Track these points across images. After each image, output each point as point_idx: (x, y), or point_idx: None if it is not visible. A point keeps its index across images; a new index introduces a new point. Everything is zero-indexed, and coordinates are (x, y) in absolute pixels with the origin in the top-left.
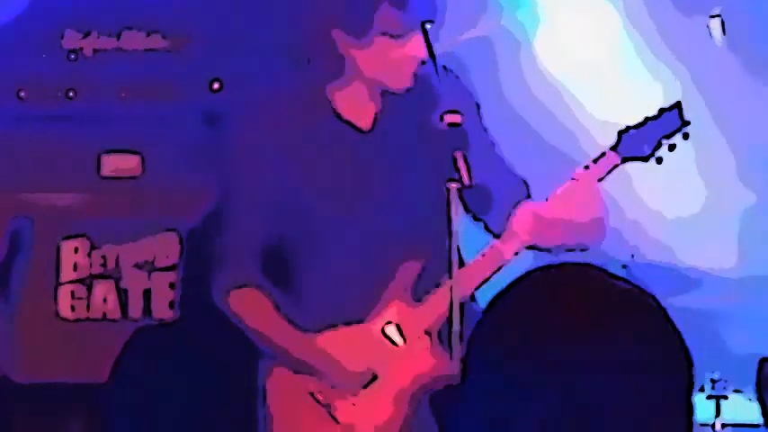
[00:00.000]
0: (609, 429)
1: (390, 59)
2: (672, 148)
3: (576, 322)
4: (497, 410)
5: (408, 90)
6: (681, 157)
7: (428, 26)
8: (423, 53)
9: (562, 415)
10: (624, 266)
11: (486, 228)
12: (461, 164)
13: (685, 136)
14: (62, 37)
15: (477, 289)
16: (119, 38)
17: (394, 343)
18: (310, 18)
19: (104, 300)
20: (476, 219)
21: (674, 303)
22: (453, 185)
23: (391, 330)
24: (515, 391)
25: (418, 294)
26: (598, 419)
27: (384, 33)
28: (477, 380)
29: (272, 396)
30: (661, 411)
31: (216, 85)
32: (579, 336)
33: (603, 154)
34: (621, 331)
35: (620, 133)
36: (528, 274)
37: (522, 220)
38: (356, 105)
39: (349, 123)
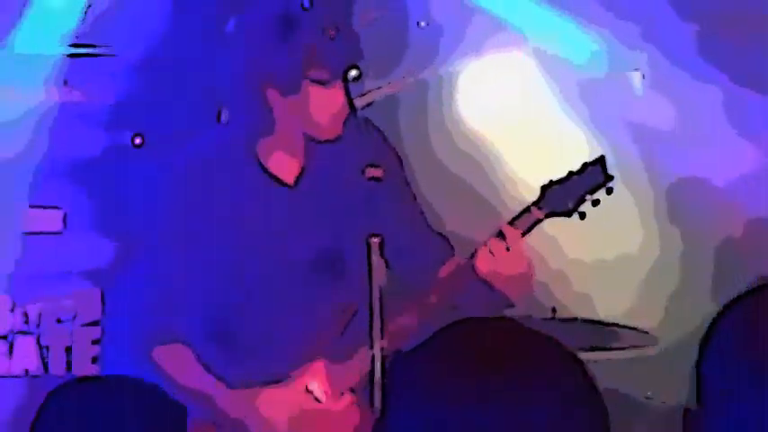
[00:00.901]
0: None
1: (320, 107)
2: (595, 203)
3: (491, 371)
4: None
5: (338, 138)
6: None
7: (353, 73)
8: (345, 106)
9: None
10: (553, 310)
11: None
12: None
13: (609, 191)
14: None
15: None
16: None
17: (317, 400)
18: (239, 73)
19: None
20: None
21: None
22: (375, 240)
23: (314, 387)
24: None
25: (344, 351)
26: None
27: (314, 81)
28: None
29: None
30: None
31: (138, 140)
32: (494, 385)
33: (528, 209)
34: (538, 383)
35: (544, 188)
36: (447, 326)
37: (451, 276)
38: (283, 160)
39: (275, 178)
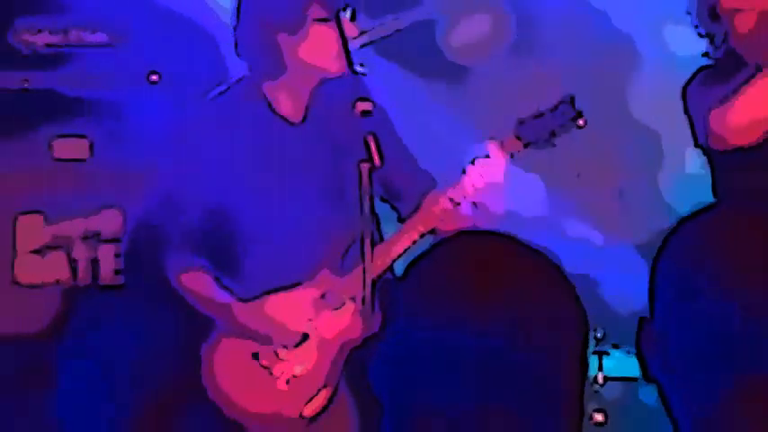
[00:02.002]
0: (513, 379)
1: (324, 45)
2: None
3: (485, 282)
4: (408, 356)
5: (344, 74)
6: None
7: (344, 14)
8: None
9: (467, 360)
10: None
11: (399, 214)
12: (372, 147)
13: (579, 126)
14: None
15: (393, 261)
16: (66, 34)
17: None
18: (251, 18)
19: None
20: (391, 206)
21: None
22: (365, 166)
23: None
24: (424, 336)
25: (346, 267)
26: (504, 371)
27: (317, 20)
28: (396, 334)
29: (220, 360)
30: (561, 366)
31: (154, 77)
32: (487, 294)
33: (506, 140)
34: (528, 292)
35: (520, 122)
36: (443, 240)
37: (433, 203)
38: (290, 101)
39: (283, 118)
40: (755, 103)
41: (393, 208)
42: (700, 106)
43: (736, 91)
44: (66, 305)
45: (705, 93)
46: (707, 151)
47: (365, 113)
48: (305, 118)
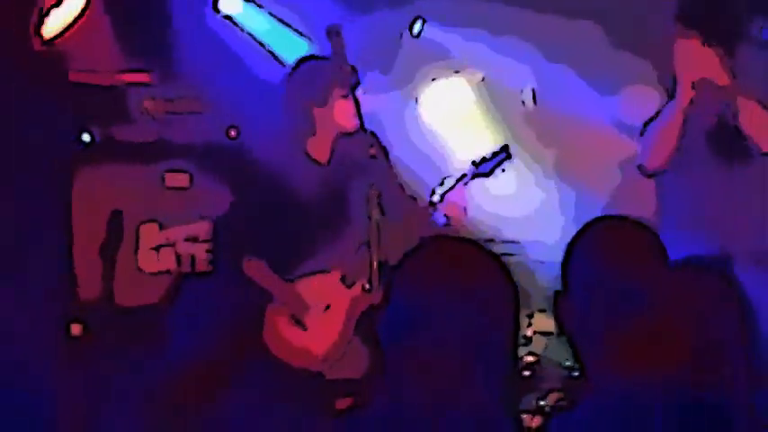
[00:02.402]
0: (462, 340)
1: (344, 112)
2: (503, 170)
3: (451, 271)
4: (405, 320)
5: (358, 131)
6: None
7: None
8: (357, 110)
9: (442, 318)
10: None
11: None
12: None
13: (510, 164)
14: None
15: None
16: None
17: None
18: (293, 98)
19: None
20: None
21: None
22: (373, 192)
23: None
24: (411, 311)
25: (358, 259)
26: (459, 324)
27: (340, 97)
28: (393, 302)
29: (270, 319)
30: (502, 326)
31: (233, 133)
32: (449, 279)
33: (465, 175)
34: (478, 276)
35: (473, 162)
36: (419, 244)
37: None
38: (321, 148)
39: (314, 161)
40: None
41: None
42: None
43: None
44: (174, 285)
45: None
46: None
47: (372, 157)
48: (329, 160)
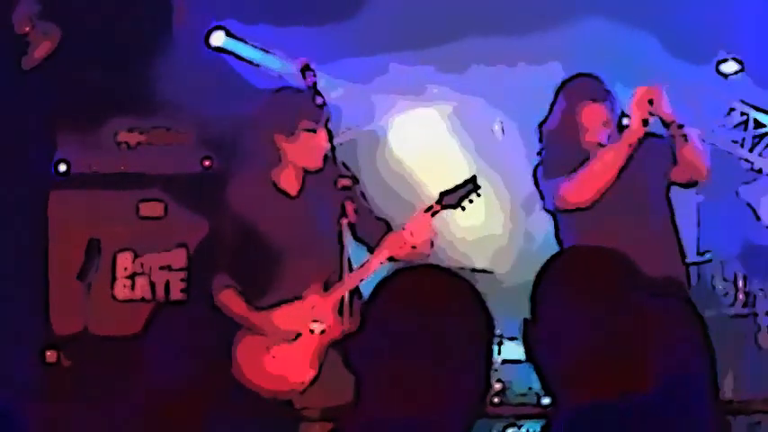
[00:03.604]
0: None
1: (309, 148)
2: (470, 201)
3: (420, 303)
4: (380, 340)
5: (320, 170)
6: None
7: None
8: (327, 145)
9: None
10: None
11: (369, 249)
12: (349, 209)
13: (478, 195)
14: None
15: (360, 282)
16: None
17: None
18: (262, 126)
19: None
20: (363, 244)
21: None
22: (344, 221)
23: (315, 327)
24: (382, 331)
25: (328, 288)
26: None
27: (305, 130)
28: (367, 330)
29: (242, 349)
30: (477, 355)
31: (207, 163)
32: (418, 310)
33: (431, 206)
34: (446, 308)
35: (442, 193)
36: (394, 272)
37: (389, 242)
38: (289, 181)
39: (283, 192)
40: (592, 176)
41: (364, 244)
42: (547, 184)
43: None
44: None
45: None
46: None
47: (344, 188)
48: (299, 192)
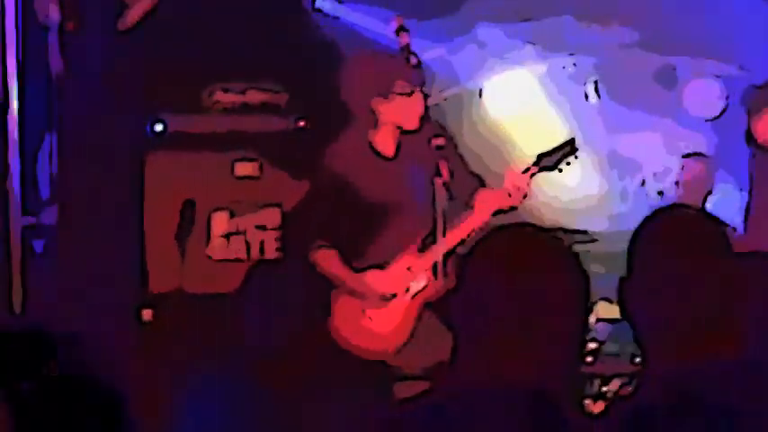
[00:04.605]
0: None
1: (405, 110)
2: (568, 164)
3: (517, 262)
4: (478, 299)
5: (418, 129)
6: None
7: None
8: (423, 106)
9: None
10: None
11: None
12: (443, 168)
13: (576, 157)
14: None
15: (457, 243)
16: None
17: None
18: (358, 88)
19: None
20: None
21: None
22: (438, 180)
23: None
24: (481, 290)
25: (424, 248)
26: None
27: (400, 93)
28: (466, 288)
29: (338, 310)
30: (573, 312)
31: (301, 123)
32: (521, 267)
33: (529, 168)
34: (549, 262)
35: (539, 155)
36: (491, 231)
37: (486, 202)
38: (385, 142)
39: (379, 153)
40: None
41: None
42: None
43: None
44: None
45: None
46: None
47: (439, 147)
48: (396, 154)
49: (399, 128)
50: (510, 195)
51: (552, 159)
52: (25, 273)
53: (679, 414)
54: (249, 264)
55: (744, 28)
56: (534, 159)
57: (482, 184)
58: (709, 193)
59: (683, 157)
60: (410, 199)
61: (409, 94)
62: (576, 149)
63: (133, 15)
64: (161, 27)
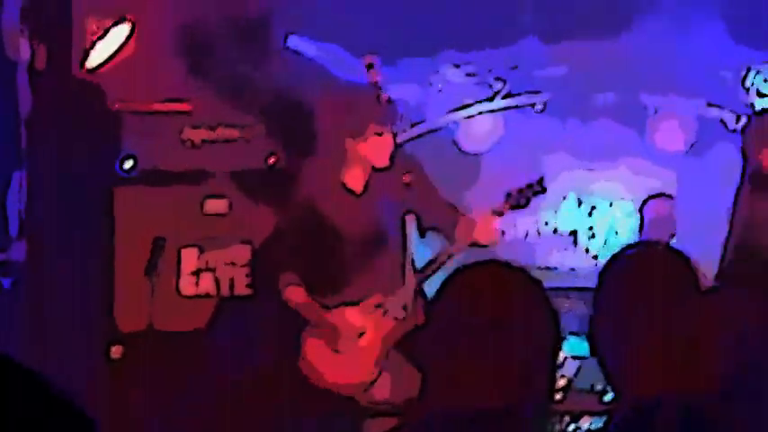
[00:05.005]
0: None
1: (377, 148)
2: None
3: (486, 299)
4: (446, 338)
5: (387, 167)
6: None
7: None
8: (393, 144)
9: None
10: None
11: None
12: (414, 207)
13: (544, 191)
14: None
15: (426, 279)
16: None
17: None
18: (330, 128)
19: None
20: (431, 230)
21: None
22: (409, 216)
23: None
24: (449, 327)
25: (394, 285)
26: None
27: (373, 133)
28: (433, 326)
29: (308, 345)
30: (544, 351)
31: (272, 160)
32: (490, 304)
33: (500, 210)
34: (517, 298)
35: (507, 195)
36: (458, 269)
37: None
38: (355, 179)
39: (350, 190)
40: None
41: (431, 230)
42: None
43: None
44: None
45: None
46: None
47: (407, 185)
48: (366, 190)
49: (370, 165)
50: (478, 239)
51: (522, 197)
52: None
53: None
54: (218, 300)
55: (712, 65)
56: (504, 198)
57: (456, 214)
58: (673, 235)
59: (650, 197)
60: (381, 235)
61: (380, 134)
62: (545, 188)
63: (100, 55)
64: (130, 65)
